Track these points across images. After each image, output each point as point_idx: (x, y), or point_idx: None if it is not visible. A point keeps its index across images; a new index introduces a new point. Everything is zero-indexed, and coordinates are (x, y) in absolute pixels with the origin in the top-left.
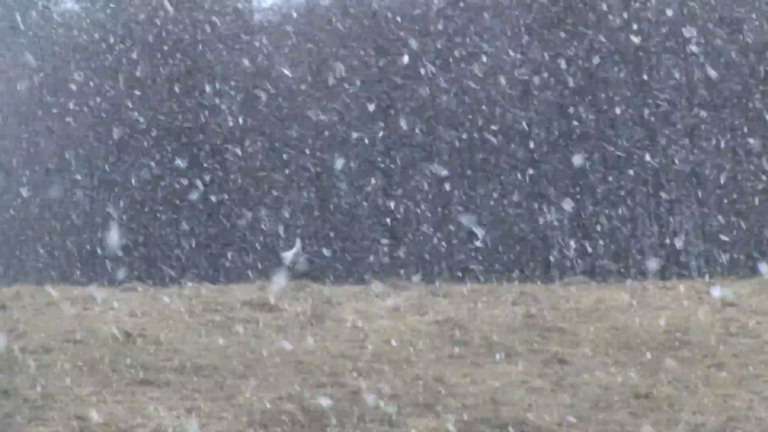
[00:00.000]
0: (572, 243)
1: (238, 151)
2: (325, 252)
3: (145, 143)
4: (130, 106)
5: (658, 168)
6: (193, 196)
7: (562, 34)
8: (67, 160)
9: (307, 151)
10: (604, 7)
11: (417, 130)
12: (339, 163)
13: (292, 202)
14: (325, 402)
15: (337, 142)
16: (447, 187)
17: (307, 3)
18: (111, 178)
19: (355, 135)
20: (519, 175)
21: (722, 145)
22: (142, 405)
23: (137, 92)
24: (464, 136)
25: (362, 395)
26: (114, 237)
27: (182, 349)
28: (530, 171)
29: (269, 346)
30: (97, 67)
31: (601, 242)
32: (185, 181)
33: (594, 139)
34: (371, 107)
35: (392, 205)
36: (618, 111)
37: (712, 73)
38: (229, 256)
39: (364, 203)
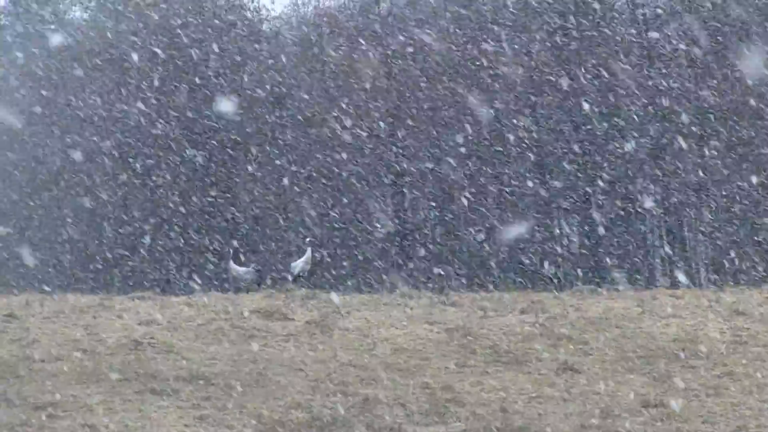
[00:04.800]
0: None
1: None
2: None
3: (156, 147)
4: (140, 113)
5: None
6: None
7: None
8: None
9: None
10: None
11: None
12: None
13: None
14: (333, 410)
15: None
16: None
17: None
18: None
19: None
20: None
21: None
22: (151, 413)
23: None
24: None
25: (371, 403)
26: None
27: (191, 358)
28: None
29: (278, 354)
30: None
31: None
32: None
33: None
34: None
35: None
36: None
37: None
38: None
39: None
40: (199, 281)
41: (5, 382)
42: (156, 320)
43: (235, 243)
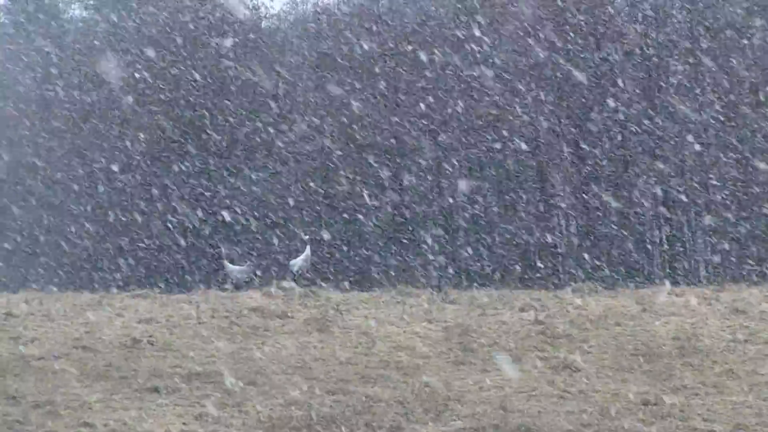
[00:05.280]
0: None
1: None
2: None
3: (153, 145)
4: (141, 110)
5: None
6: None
7: None
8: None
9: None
10: None
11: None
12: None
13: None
14: (333, 408)
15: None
16: None
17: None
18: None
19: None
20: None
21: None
22: (150, 411)
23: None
24: None
25: (370, 402)
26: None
27: (191, 356)
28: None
29: (277, 352)
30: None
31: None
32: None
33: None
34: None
35: None
36: None
37: None
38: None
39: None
40: (198, 279)
41: (4, 380)
42: (155, 318)
43: (230, 242)
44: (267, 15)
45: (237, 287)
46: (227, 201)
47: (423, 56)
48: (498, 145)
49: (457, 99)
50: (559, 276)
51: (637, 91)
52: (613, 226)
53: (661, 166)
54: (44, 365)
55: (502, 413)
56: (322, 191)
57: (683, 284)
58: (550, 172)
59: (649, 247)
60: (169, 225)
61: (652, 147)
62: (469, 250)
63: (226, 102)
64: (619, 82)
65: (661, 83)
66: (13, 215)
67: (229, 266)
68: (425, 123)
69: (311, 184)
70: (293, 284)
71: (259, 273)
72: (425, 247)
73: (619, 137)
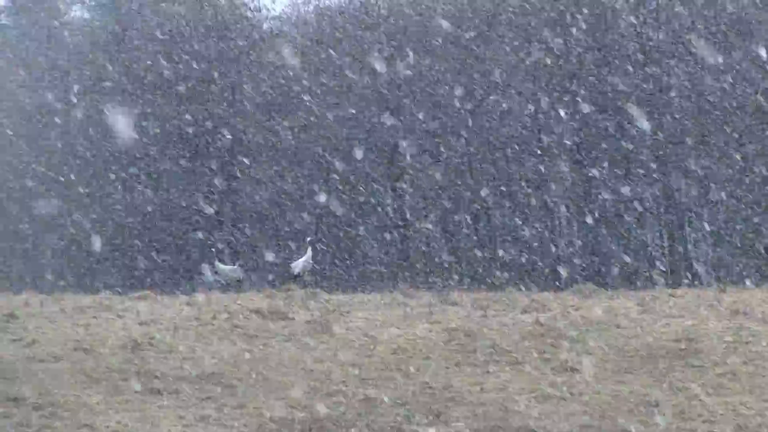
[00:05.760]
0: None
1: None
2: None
3: (154, 147)
4: (140, 113)
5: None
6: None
7: None
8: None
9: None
10: None
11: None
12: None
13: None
14: (334, 410)
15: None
16: None
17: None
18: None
19: None
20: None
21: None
22: (151, 413)
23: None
24: None
25: (371, 403)
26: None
27: (192, 358)
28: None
29: (279, 354)
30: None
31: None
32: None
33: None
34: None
35: None
36: None
37: None
38: None
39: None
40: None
41: (6, 382)
42: (156, 320)
43: (226, 242)
44: (268, 17)
45: (227, 287)
46: (226, 199)
47: None
48: (498, 146)
49: (459, 101)
50: (560, 277)
51: (638, 90)
52: (613, 227)
53: (662, 166)
54: (45, 367)
55: (503, 415)
56: (323, 194)
57: (684, 285)
58: (551, 172)
59: (649, 248)
60: (168, 225)
61: (653, 147)
62: (471, 251)
63: (233, 105)
64: (620, 81)
65: (662, 83)
66: (12, 217)
67: (220, 266)
68: (424, 125)
69: (312, 185)
70: (294, 285)
71: (271, 277)
72: (427, 247)
73: (620, 137)
